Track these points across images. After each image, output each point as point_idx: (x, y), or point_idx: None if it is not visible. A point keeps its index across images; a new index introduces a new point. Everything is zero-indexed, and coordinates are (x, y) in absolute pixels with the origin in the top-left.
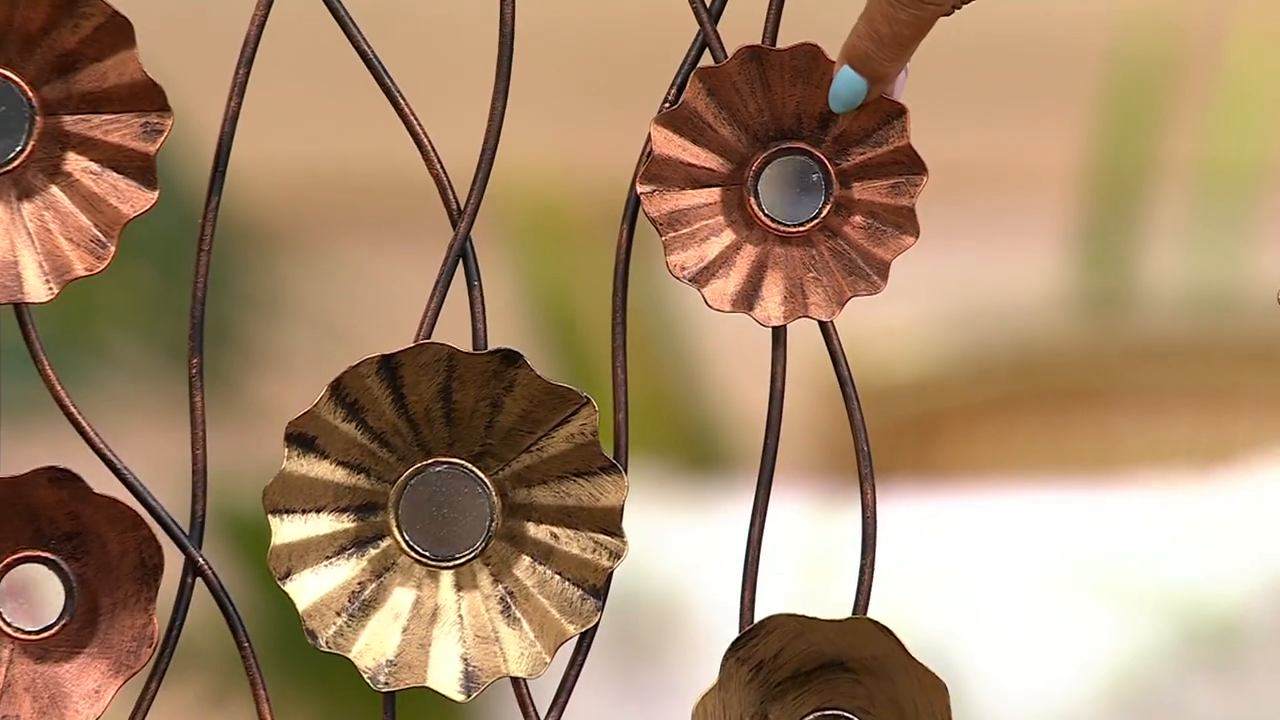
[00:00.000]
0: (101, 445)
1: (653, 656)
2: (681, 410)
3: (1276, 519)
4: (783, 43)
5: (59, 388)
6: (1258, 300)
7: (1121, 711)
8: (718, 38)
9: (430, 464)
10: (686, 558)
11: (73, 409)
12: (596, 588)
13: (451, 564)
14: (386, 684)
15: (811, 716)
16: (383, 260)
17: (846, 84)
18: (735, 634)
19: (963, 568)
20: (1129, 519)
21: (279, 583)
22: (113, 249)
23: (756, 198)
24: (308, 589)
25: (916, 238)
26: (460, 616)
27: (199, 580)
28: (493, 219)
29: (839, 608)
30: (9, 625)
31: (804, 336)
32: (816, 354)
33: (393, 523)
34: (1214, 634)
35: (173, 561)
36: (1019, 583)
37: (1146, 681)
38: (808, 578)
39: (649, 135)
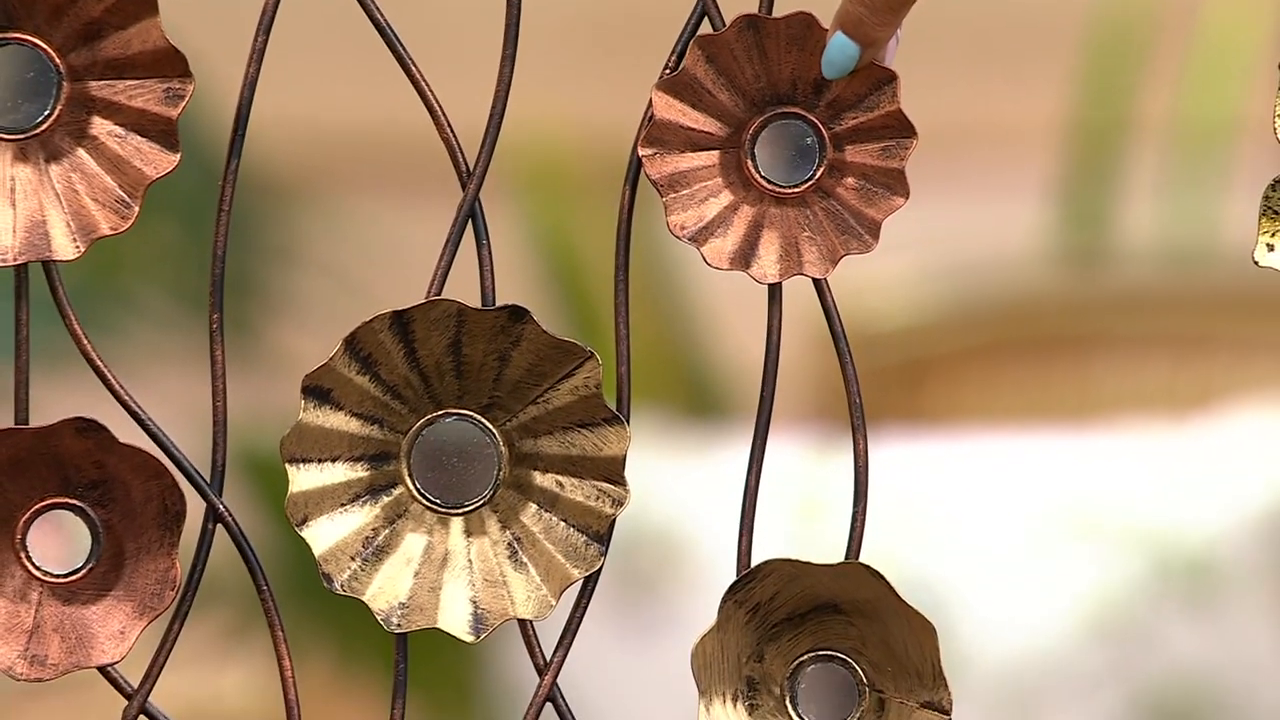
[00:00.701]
0: (126, 397)
1: (653, 592)
2: (681, 358)
3: (1249, 462)
4: (778, 12)
5: (86, 343)
6: (1232, 252)
7: (1100, 643)
8: (716, 6)
9: (440, 415)
10: (685, 498)
11: (99, 363)
12: (600, 534)
13: (461, 511)
14: (399, 626)
15: (806, 657)
16: (395, 214)
17: (839, 50)
18: (733, 574)
19: (949, 508)
20: (1108, 461)
21: (296, 529)
22: (136, 209)
23: (753, 160)
24: (323, 535)
25: (906, 198)
26: (469, 561)
27: (219, 525)
28: (499, 172)
29: (831, 547)
30: (38, 569)
31: (798, 286)
32: (810, 303)
33: (405, 471)
34: (1188, 570)
35: (195, 508)
36: (1003, 522)
37: (1124, 615)
38: (802, 518)
39: (650, 100)
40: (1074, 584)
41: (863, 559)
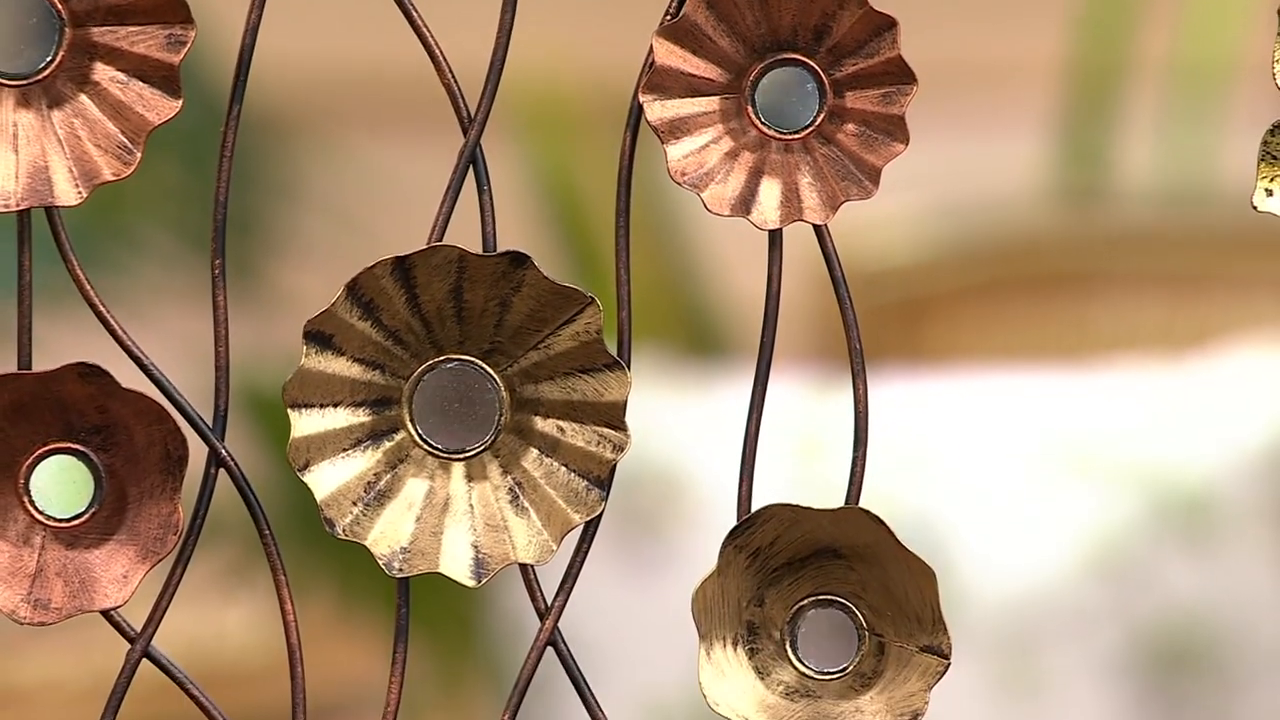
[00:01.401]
0: (130, 343)
1: (653, 530)
2: (682, 296)
3: (1246, 400)
4: None
5: (89, 288)
6: (1230, 192)
7: (1098, 580)
8: None
9: (442, 360)
10: (685, 436)
11: (103, 309)
12: (601, 479)
13: (462, 456)
14: (401, 570)
15: (806, 601)
16: (396, 153)
17: None
18: (732, 512)
19: (948, 446)
20: (1106, 399)
21: (298, 474)
22: (138, 155)
23: (754, 106)
24: (325, 480)
25: (906, 144)
26: (471, 506)
27: (222, 470)
28: (500, 111)
29: (831, 485)
30: (41, 513)
31: (800, 225)
32: (812, 241)
33: (406, 417)
34: (1184, 507)
35: (197, 452)
36: (1002, 459)
37: (1121, 552)
38: (802, 457)
39: (650, 47)
40: (1072, 522)
41: (862, 497)
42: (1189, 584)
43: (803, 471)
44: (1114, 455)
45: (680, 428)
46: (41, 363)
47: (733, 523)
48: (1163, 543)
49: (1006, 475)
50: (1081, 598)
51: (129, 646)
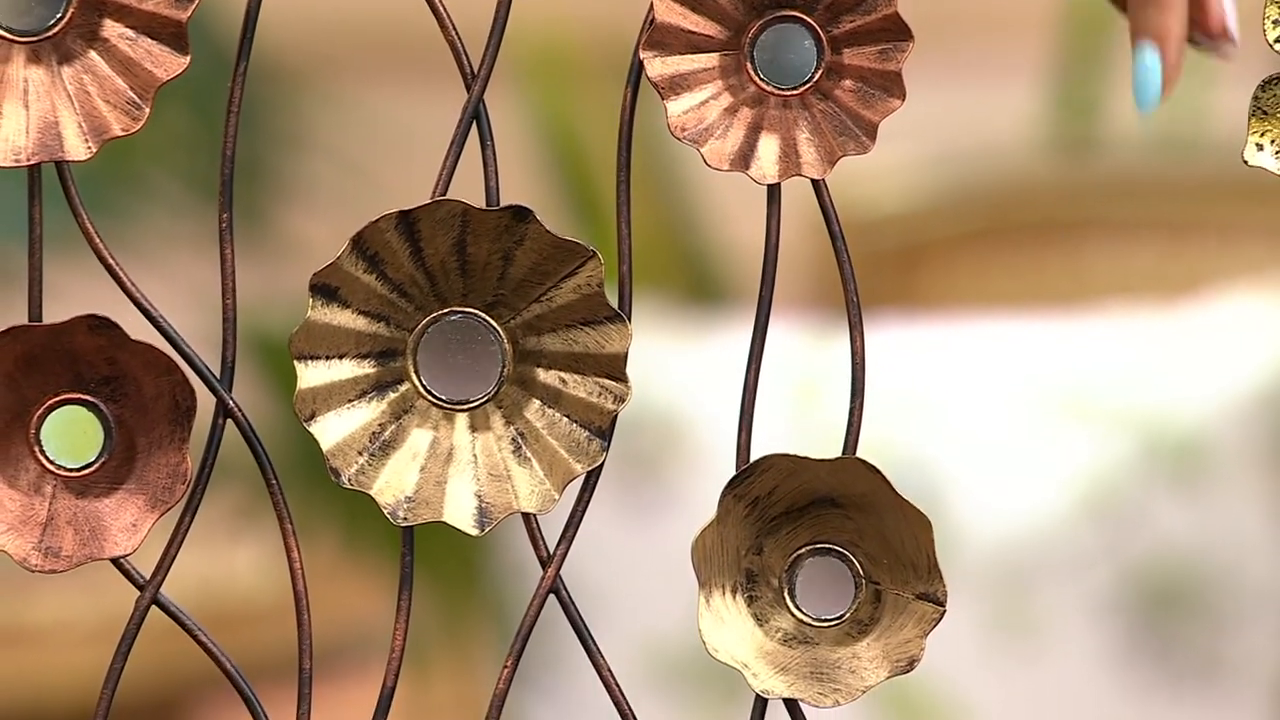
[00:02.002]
0: (140, 296)
1: (653, 473)
2: (681, 242)
3: (1237, 345)
4: None
5: (99, 241)
6: (1221, 139)
7: (1091, 523)
8: None
9: (446, 313)
10: (685, 381)
11: (113, 262)
12: (602, 429)
13: (466, 407)
14: (405, 519)
15: (804, 549)
16: (401, 101)
17: (1148, 71)
18: (731, 456)
19: (943, 391)
20: (1099, 345)
21: (304, 424)
22: (147, 110)
23: (753, 63)
24: (331, 430)
25: (903, 100)
26: (474, 456)
27: (229, 420)
28: (503, 60)
29: (829, 431)
30: (51, 463)
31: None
32: (809, 188)
33: (411, 368)
34: (1176, 450)
35: (205, 402)
36: (996, 404)
37: (1114, 494)
38: (800, 402)
39: (651, 4)
40: (1065, 465)
41: (859, 444)
42: (1180, 525)
43: (800, 417)
44: (1107, 399)
45: (680, 373)
46: (53, 308)
47: (732, 468)
48: (1154, 485)
49: (1001, 419)
50: (1074, 539)
51: (138, 594)
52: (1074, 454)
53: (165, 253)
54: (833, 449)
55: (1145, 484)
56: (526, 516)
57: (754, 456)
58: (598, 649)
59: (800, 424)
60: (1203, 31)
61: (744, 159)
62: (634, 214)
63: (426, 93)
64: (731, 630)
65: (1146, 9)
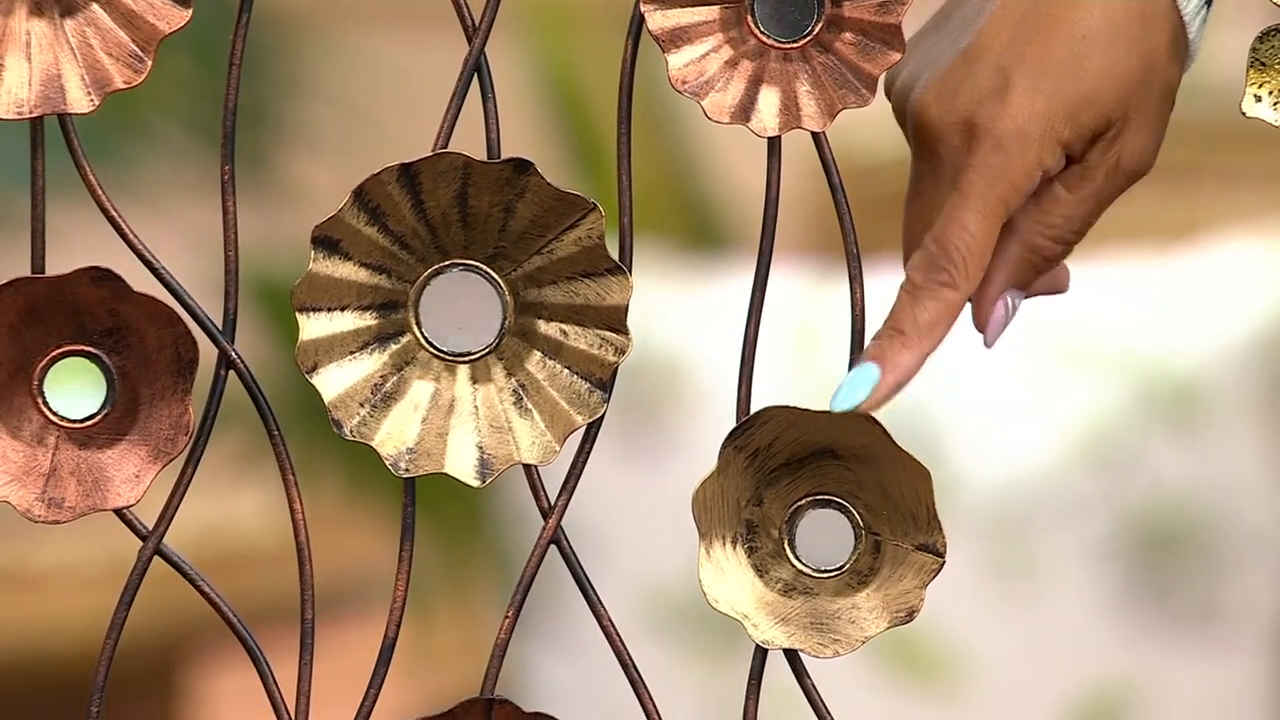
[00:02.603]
0: (143, 249)
1: (654, 418)
2: (682, 188)
3: (1233, 290)
4: None
5: (101, 193)
6: (1217, 86)
7: (1088, 466)
8: None
9: (447, 265)
10: (686, 326)
11: (115, 215)
12: (603, 381)
13: (467, 359)
14: (407, 470)
15: (804, 501)
16: (403, 48)
17: (863, 379)
18: (732, 401)
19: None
20: (1097, 290)
21: (306, 376)
22: (149, 63)
23: (754, 16)
24: (333, 381)
25: (902, 53)
26: (476, 408)
27: (231, 371)
28: (504, 8)
29: (828, 375)
30: (54, 414)
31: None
32: (809, 135)
33: (412, 320)
34: (1172, 396)
35: (208, 353)
36: (994, 350)
37: (1111, 439)
38: (800, 347)
39: None
40: (1063, 411)
41: None
42: (1177, 470)
43: (800, 363)
44: (1104, 345)
45: (680, 318)
46: (56, 254)
47: (732, 412)
48: (1151, 430)
49: (999, 365)
50: (1072, 484)
51: (141, 544)
52: (1072, 399)
53: (168, 198)
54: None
55: (1142, 429)
56: (528, 468)
57: (754, 405)
58: (599, 599)
59: (800, 370)
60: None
61: (745, 112)
62: (635, 160)
63: (429, 38)
64: (732, 581)
65: (883, 339)
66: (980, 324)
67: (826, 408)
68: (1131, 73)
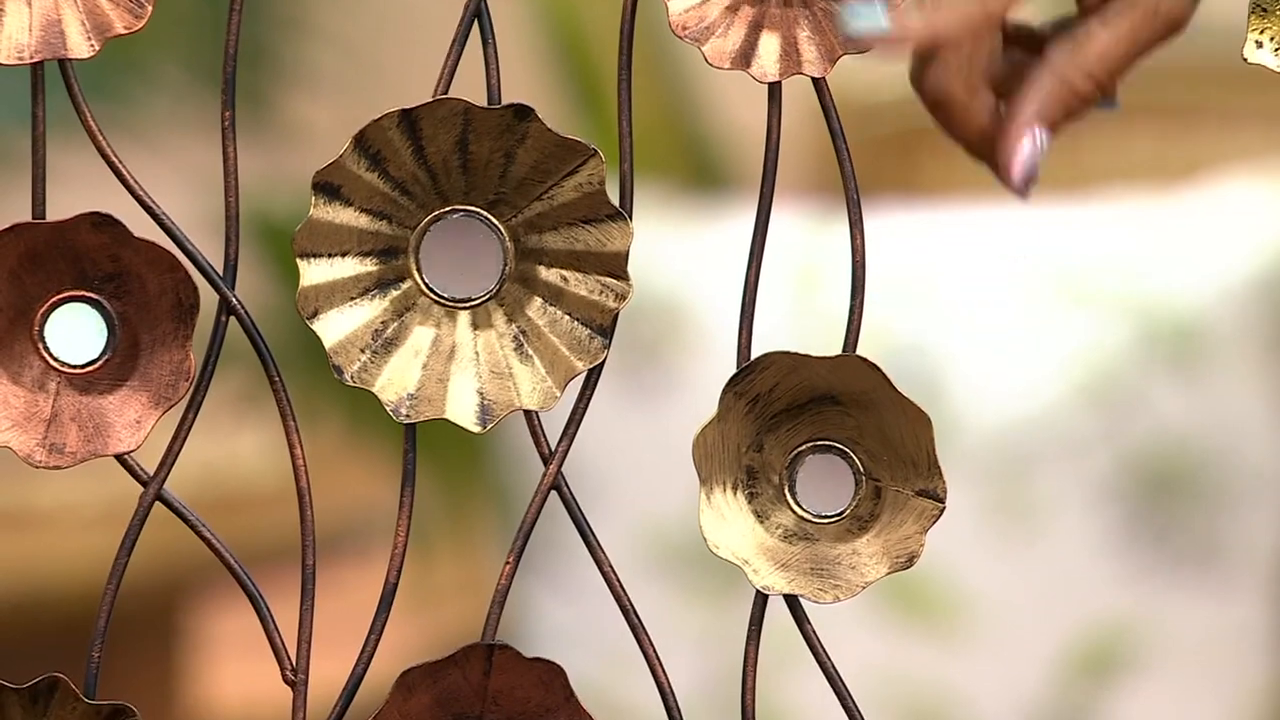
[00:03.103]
0: (142, 193)
1: (655, 358)
2: (683, 127)
3: (1234, 230)
4: None
5: (103, 140)
6: (1219, 25)
7: (1089, 406)
8: None
9: (448, 211)
10: (687, 267)
11: (116, 160)
12: (604, 327)
13: (468, 305)
14: (408, 416)
15: (804, 446)
16: None
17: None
18: (732, 342)
19: (942, 276)
20: (1098, 230)
21: (306, 322)
22: (150, 8)
23: None
24: (333, 327)
25: None
26: (476, 354)
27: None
28: None
29: (829, 316)
30: (55, 359)
31: None
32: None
33: (413, 266)
34: (1173, 335)
35: (208, 298)
36: (994, 290)
37: (1112, 379)
38: (801, 288)
39: None
40: (1064, 350)
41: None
42: (1177, 410)
43: (801, 304)
44: (1105, 284)
45: (681, 258)
46: (57, 193)
47: (733, 353)
48: (1152, 370)
49: (1000, 304)
50: (1073, 424)
51: (142, 490)
52: (1072, 339)
53: (168, 137)
54: (833, 336)
55: (1143, 369)
56: (528, 414)
57: (755, 349)
58: (599, 545)
59: (800, 312)
60: (1003, 178)
61: (745, 57)
62: (636, 101)
63: None
64: (732, 527)
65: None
66: (1006, 155)
67: (828, 352)
68: None
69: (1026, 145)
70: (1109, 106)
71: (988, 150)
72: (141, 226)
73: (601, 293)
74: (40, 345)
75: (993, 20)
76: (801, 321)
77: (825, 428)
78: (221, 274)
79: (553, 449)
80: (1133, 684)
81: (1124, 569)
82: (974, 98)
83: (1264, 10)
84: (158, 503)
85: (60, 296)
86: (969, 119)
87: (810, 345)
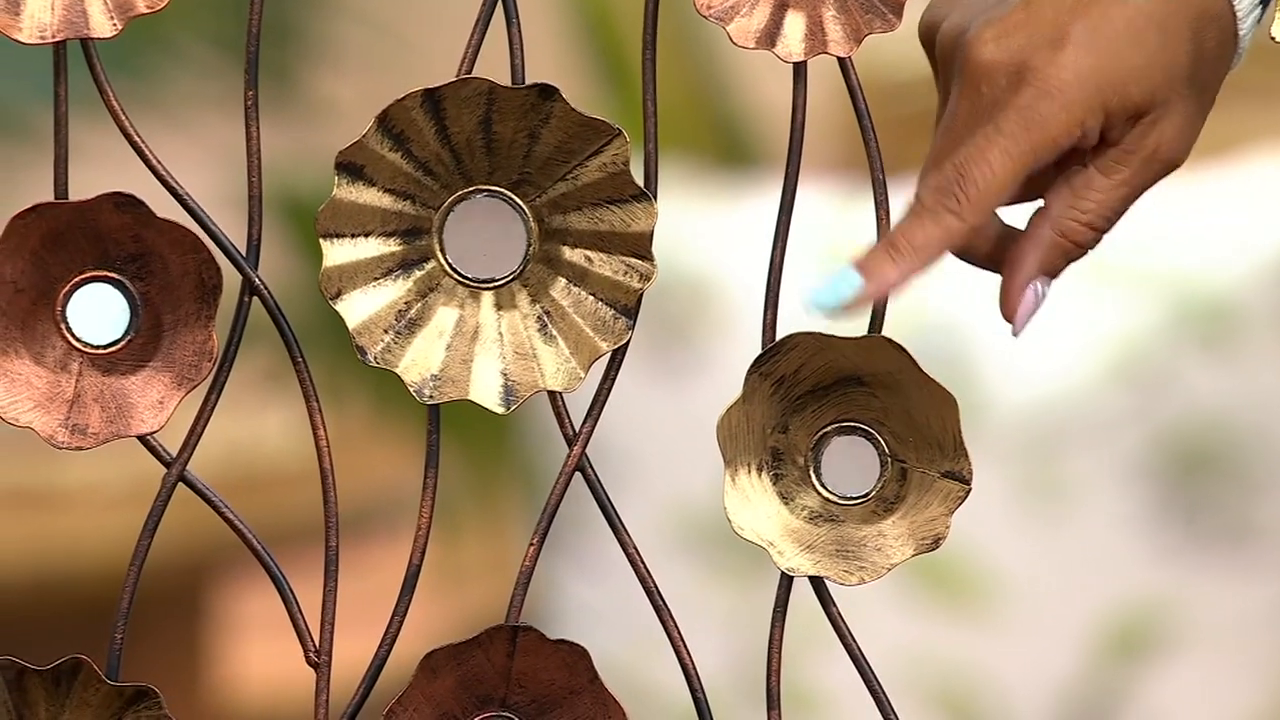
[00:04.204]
0: (165, 173)
1: (682, 337)
2: (711, 104)
3: (1266, 207)
4: None
5: (124, 118)
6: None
7: (1120, 385)
8: None
9: (472, 191)
10: (715, 245)
11: (138, 139)
12: (628, 307)
13: (492, 285)
14: (431, 397)
15: (830, 428)
16: None
17: (842, 281)
18: (760, 321)
19: None
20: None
21: (330, 303)
22: None
23: None
24: (357, 308)
25: None
26: (500, 334)
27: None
28: None
29: None
30: (78, 340)
31: None
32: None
33: (437, 246)
34: (1205, 314)
35: (232, 278)
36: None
37: (1143, 358)
38: (827, 264)
39: None
40: (1094, 329)
41: (885, 313)
42: (1209, 388)
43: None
44: (1136, 262)
45: (709, 236)
46: (80, 171)
47: (759, 332)
48: (1184, 348)
49: None
50: (1104, 403)
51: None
52: (1103, 318)
53: (192, 113)
54: (861, 319)
55: (1175, 347)
56: (552, 394)
57: (782, 329)
58: (623, 527)
59: None
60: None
61: (770, 37)
62: (663, 77)
63: None
64: (757, 508)
65: (875, 250)
66: (1008, 309)
67: (855, 332)
68: (1182, 61)
69: (1029, 296)
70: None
71: (996, 264)
72: (165, 205)
73: (626, 273)
74: (63, 326)
75: (965, 231)
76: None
77: (851, 409)
78: (245, 254)
79: (577, 430)
80: (1163, 664)
81: (1155, 549)
82: (979, 226)
83: None
84: (181, 483)
85: (83, 277)
86: (975, 245)
87: (840, 324)
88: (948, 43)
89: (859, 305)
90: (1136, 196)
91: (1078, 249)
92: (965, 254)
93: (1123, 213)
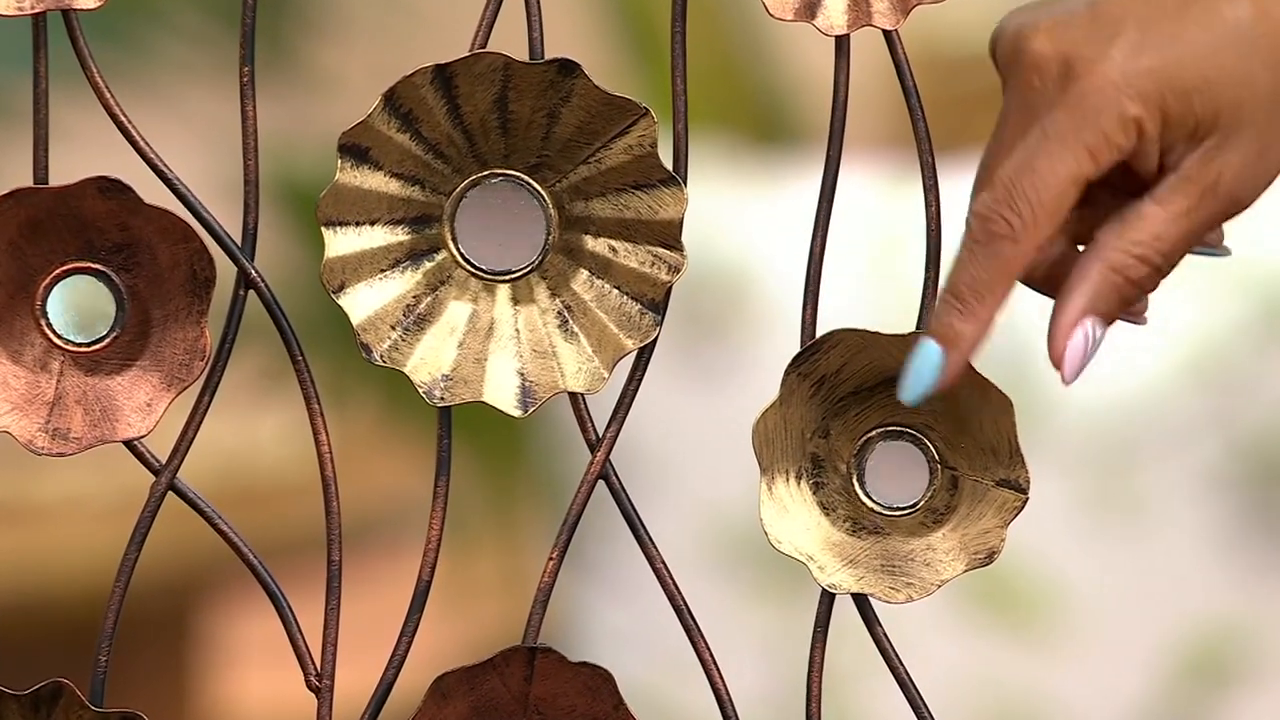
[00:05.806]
0: (153, 155)
1: (717, 335)
2: (748, 78)
3: None
4: None
5: (109, 96)
6: None
7: (1197, 389)
8: None
9: (486, 175)
10: (752, 233)
11: (124, 118)
12: (655, 301)
13: (508, 278)
14: (442, 399)
15: (874, 432)
16: None
17: (926, 360)
18: (798, 316)
19: None
20: None
21: (332, 296)
22: None
23: None
24: (362, 302)
25: None
26: (517, 331)
27: (251, 291)
28: None
29: (907, 283)
30: (58, 337)
31: None
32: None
33: (448, 235)
34: None
35: (225, 269)
36: None
37: (1222, 359)
38: (875, 253)
39: None
40: (1169, 325)
41: None
42: None
43: (879, 272)
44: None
45: (747, 223)
46: (63, 153)
47: (798, 329)
48: (1268, 348)
49: None
50: (1179, 407)
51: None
52: (1180, 314)
53: (182, 88)
54: (914, 307)
55: (1258, 346)
56: (574, 396)
57: (825, 324)
58: (650, 539)
59: (878, 281)
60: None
61: (810, 8)
62: (694, 46)
63: None
64: (795, 520)
65: (941, 311)
66: (1056, 354)
67: (902, 330)
68: (1261, 81)
69: (1079, 338)
70: (1219, 254)
71: (1053, 288)
72: (153, 190)
73: (653, 264)
74: (42, 321)
75: (1025, 256)
76: (879, 294)
77: (897, 412)
78: (240, 244)
79: (600, 435)
80: (1244, 691)
81: (1233, 566)
82: (1041, 243)
83: None
84: (170, 493)
85: (64, 269)
86: (1034, 264)
87: (888, 318)
88: (1007, 44)
89: (954, 376)
90: (1196, 235)
91: (1131, 286)
92: (1024, 279)
93: (1181, 251)
